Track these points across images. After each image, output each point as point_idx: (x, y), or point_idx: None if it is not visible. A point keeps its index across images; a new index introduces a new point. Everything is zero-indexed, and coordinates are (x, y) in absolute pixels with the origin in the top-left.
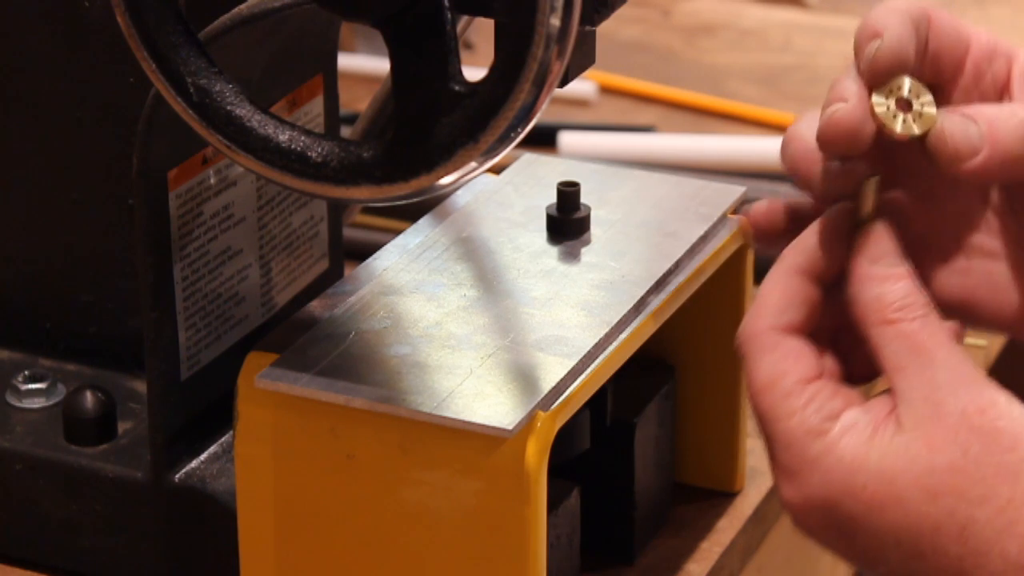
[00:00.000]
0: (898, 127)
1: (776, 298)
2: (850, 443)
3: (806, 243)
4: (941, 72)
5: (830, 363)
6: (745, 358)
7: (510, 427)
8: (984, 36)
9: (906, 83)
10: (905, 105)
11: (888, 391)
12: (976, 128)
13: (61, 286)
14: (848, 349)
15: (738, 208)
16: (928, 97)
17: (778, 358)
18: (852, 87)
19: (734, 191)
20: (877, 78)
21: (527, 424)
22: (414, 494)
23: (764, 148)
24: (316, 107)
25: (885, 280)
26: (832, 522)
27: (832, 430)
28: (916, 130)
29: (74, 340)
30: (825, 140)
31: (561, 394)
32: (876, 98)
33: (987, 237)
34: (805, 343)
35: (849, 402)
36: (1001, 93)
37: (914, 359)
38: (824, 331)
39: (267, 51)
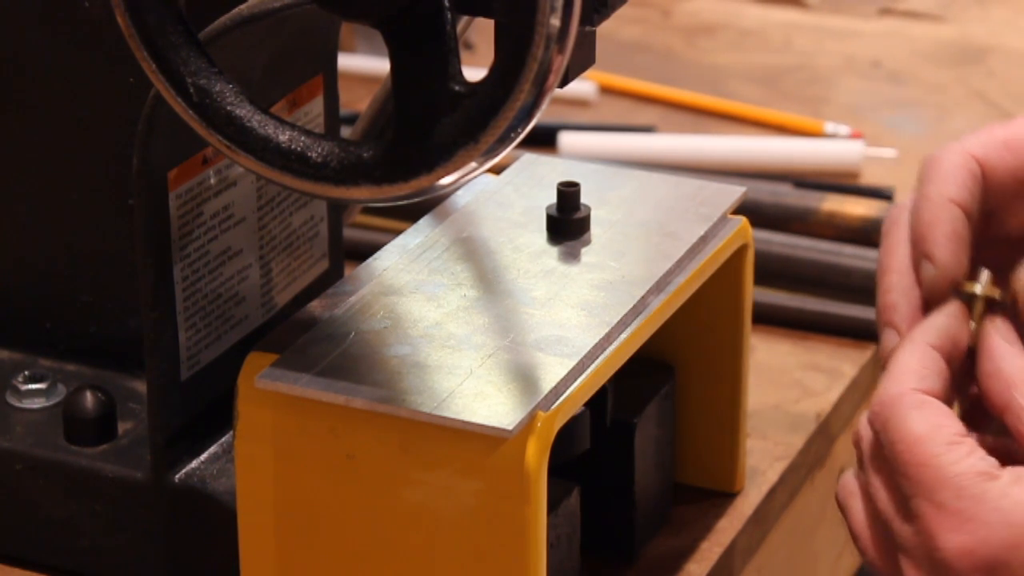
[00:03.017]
0: (978, 289)
1: (915, 365)
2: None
3: (936, 323)
4: (1000, 204)
5: None
6: (889, 419)
7: (510, 427)
8: None
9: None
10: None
11: None
12: None
13: (61, 286)
14: None
15: (738, 208)
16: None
17: (932, 412)
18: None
19: (734, 191)
20: (935, 299)
21: (527, 424)
22: (414, 494)
23: (764, 148)
24: (316, 107)
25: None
26: (1005, 568)
27: (1003, 476)
28: (996, 294)
29: (74, 340)
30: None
31: (561, 394)
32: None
33: None
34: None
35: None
36: None
37: None
38: None
39: (267, 51)
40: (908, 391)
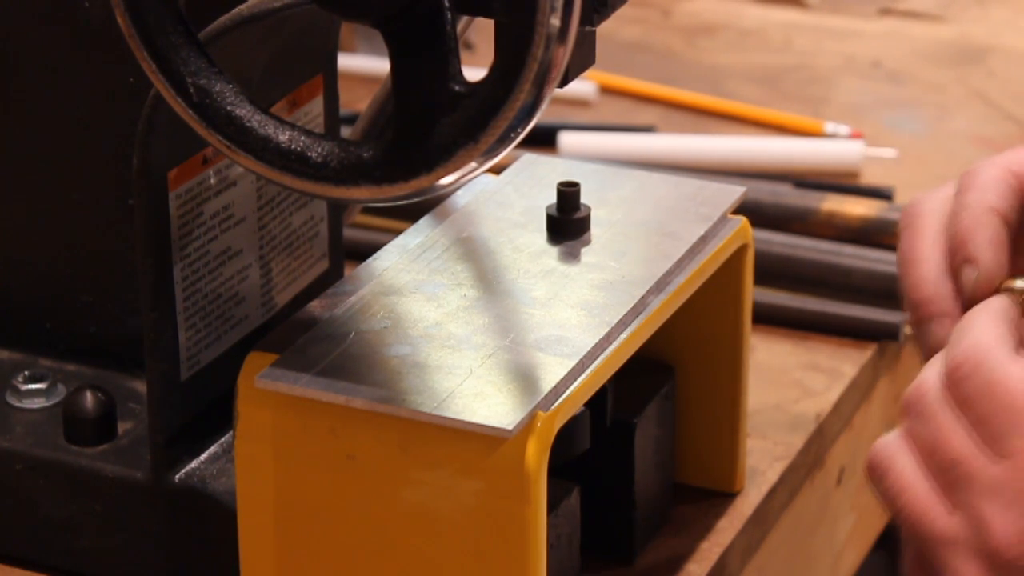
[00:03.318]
0: (1019, 283)
1: (993, 325)
2: None
3: (996, 303)
4: None
5: None
6: (984, 362)
7: (510, 427)
8: None
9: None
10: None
11: None
12: None
13: (61, 286)
14: None
15: (738, 208)
16: None
17: None
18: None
19: (734, 191)
20: (977, 303)
21: (527, 424)
22: (414, 494)
23: (764, 148)
24: (316, 107)
25: None
26: None
27: None
28: None
29: (74, 340)
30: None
31: (561, 394)
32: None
33: None
34: None
35: None
36: None
37: None
38: None
39: (267, 51)
40: (998, 342)
